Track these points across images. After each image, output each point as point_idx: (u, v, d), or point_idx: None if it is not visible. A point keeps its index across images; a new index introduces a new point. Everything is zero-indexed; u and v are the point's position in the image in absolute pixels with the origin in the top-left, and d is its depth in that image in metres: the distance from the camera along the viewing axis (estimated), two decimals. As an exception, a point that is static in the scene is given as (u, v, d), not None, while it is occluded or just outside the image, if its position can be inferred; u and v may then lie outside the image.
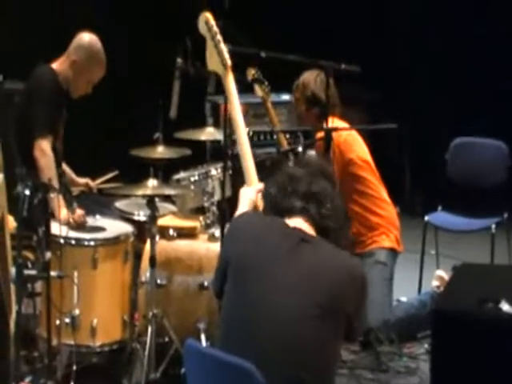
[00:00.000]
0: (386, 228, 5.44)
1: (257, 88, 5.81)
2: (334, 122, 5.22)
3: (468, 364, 3.05)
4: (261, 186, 3.49)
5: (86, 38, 5.38)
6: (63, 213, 4.92)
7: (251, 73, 5.75)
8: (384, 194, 5.51)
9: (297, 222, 3.06)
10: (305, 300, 2.87)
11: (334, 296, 2.87)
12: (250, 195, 3.44)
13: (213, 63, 3.80)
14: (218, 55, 3.77)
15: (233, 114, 3.70)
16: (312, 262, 2.95)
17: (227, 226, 3.51)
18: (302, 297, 2.88)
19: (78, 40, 5.38)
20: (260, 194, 3.47)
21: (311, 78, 5.55)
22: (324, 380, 2.89)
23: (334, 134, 5.03)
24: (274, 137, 6.48)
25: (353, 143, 5.44)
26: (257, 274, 2.95)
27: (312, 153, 5.49)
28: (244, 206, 3.41)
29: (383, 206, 5.47)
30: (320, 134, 5.15)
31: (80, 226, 4.98)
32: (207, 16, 3.83)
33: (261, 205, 3.48)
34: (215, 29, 3.81)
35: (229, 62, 3.77)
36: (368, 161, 5.46)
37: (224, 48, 3.80)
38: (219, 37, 3.80)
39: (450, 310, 3.19)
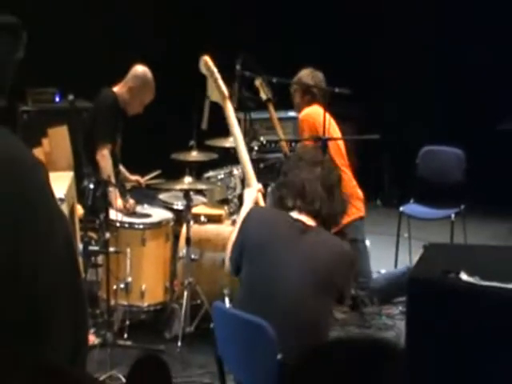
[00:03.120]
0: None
1: (261, 93, 5.67)
2: (316, 107, 5.26)
3: (435, 321, 3.05)
4: (259, 186, 3.46)
5: (140, 69, 5.35)
6: (118, 202, 4.94)
7: (257, 81, 5.62)
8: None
9: (298, 215, 3.05)
10: (304, 273, 2.87)
11: (328, 271, 2.87)
12: (252, 195, 3.41)
13: (214, 95, 3.75)
14: (218, 89, 3.70)
15: (232, 132, 3.64)
16: (310, 246, 2.93)
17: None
18: (303, 271, 2.88)
19: (134, 71, 5.35)
20: (260, 193, 3.44)
21: (305, 74, 5.42)
22: (318, 334, 2.88)
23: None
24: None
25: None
26: (267, 254, 2.94)
27: None
28: (248, 203, 3.38)
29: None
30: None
31: (132, 212, 5.00)
32: (206, 59, 3.76)
33: (261, 201, 3.45)
34: (213, 68, 3.74)
35: (226, 94, 3.72)
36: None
37: (222, 82, 3.73)
38: (217, 74, 3.72)
39: (421, 278, 3.19)
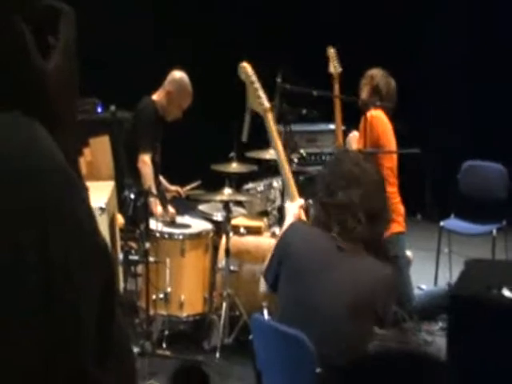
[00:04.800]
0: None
1: (330, 64, 5.60)
2: (379, 111, 5.10)
3: (477, 338, 3.04)
4: (302, 201, 3.37)
5: (178, 74, 5.46)
6: (159, 209, 5.00)
7: (331, 50, 5.59)
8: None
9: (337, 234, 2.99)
10: (344, 295, 2.82)
11: (368, 295, 2.82)
12: (294, 210, 3.35)
13: (253, 104, 3.55)
14: (258, 99, 3.51)
15: (274, 146, 3.51)
16: (350, 268, 2.86)
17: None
18: (342, 292, 2.83)
19: (172, 76, 5.47)
20: (302, 209, 3.38)
21: (379, 74, 5.27)
22: (357, 351, 2.85)
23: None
24: (323, 157, 6.44)
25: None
26: (306, 274, 2.89)
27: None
28: (290, 218, 3.32)
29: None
30: None
31: (171, 222, 5.04)
32: (244, 65, 3.60)
33: (303, 217, 3.39)
34: (253, 76, 3.56)
35: (267, 105, 3.52)
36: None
37: (262, 93, 3.54)
38: (257, 84, 3.53)
39: (462, 295, 3.17)
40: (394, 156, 5.23)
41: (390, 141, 5.16)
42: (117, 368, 1.12)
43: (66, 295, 1.05)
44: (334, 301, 2.83)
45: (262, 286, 3.14)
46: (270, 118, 3.52)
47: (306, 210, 3.49)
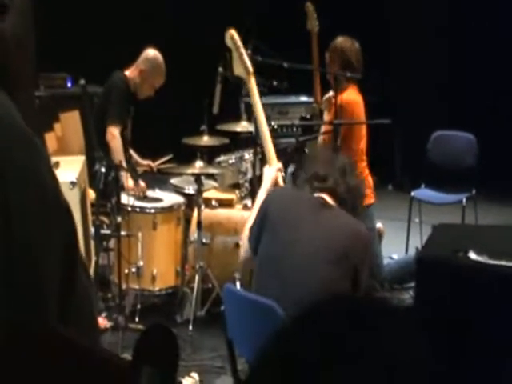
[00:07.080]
0: None
1: (308, 20, 5.47)
2: (351, 90, 5.02)
3: (443, 298, 3.08)
4: (279, 165, 3.45)
5: (151, 52, 5.41)
6: (130, 183, 4.99)
7: (309, 6, 5.45)
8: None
9: (320, 194, 3.08)
10: (321, 249, 2.88)
11: (343, 249, 2.87)
12: (272, 174, 3.39)
13: (238, 70, 3.73)
14: (242, 64, 3.69)
15: (255, 109, 3.65)
16: (329, 223, 2.96)
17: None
18: (320, 247, 2.89)
19: (146, 54, 5.41)
20: (279, 172, 3.44)
21: (347, 44, 5.05)
22: None
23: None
24: (294, 129, 6.41)
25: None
26: (285, 229, 2.96)
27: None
28: (267, 182, 3.36)
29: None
30: (326, 128, 5.00)
31: (143, 196, 5.04)
32: (232, 32, 3.78)
33: (280, 181, 3.44)
34: (239, 42, 3.74)
35: (251, 69, 3.70)
36: None
37: (246, 58, 3.72)
38: (242, 49, 3.72)
39: (429, 257, 3.21)
40: (364, 137, 5.18)
41: (362, 126, 5.11)
42: (78, 323, 1.13)
43: (29, 257, 1.06)
44: (310, 251, 2.88)
45: (243, 251, 3.18)
46: (253, 82, 3.65)
47: (283, 176, 3.54)
